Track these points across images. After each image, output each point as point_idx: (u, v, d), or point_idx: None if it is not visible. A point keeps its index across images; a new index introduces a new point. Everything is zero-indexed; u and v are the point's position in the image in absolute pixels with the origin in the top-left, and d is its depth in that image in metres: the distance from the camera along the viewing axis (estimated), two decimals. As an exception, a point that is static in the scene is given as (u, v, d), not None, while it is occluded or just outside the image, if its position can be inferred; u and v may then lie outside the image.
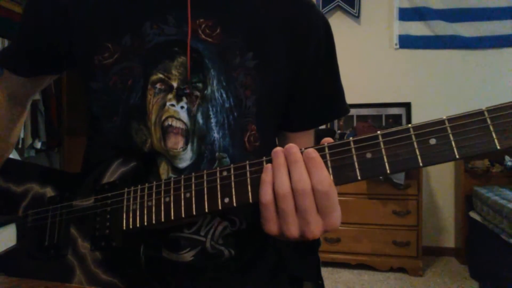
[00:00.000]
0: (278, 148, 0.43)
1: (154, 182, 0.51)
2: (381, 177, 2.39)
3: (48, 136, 2.88)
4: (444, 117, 0.36)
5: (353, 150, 0.40)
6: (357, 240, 2.52)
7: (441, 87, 2.87)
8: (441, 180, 2.86)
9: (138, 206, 0.51)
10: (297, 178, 0.40)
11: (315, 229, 0.41)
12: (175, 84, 0.57)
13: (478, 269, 2.38)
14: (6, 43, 2.56)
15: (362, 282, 2.38)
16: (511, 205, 1.94)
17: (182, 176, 0.48)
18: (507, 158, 2.55)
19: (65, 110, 3.03)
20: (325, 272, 2.51)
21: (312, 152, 0.41)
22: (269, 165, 0.43)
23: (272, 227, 0.43)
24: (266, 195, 0.42)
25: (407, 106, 2.91)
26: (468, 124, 0.35)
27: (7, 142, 0.71)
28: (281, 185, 0.41)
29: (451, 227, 2.85)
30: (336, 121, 3.03)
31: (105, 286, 0.52)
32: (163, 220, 0.48)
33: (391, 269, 2.50)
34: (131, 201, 0.52)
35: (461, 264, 2.63)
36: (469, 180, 2.57)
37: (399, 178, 2.38)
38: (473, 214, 2.43)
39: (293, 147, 0.42)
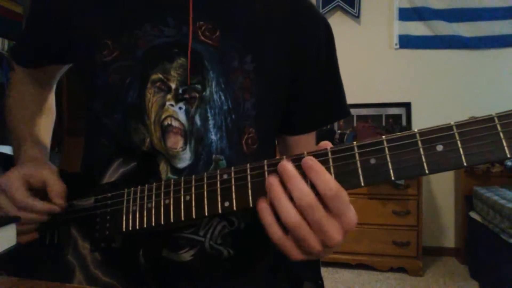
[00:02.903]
0: (270, 179, 0.40)
1: (154, 184, 0.50)
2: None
3: (48, 136, 2.88)
4: (452, 123, 0.35)
5: (356, 155, 0.38)
6: (357, 240, 2.51)
7: (441, 87, 2.87)
8: (441, 180, 2.86)
9: (138, 208, 0.51)
10: (298, 194, 0.38)
11: (335, 234, 0.38)
12: (173, 86, 0.57)
13: (478, 269, 2.37)
14: (6, 43, 2.56)
15: (362, 282, 2.38)
16: (511, 205, 1.94)
17: (182, 178, 0.48)
18: (507, 158, 2.55)
19: (65, 110, 3.03)
20: (325, 272, 2.51)
21: (309, 161, 0.39)
22: (263, 204, 0.40)
23: (297, 255, 0.41)
24: (276, 234, 0.40)
25: (407, 106, 2.90)
26: (477, 131, 0.34)
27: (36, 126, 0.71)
28: (288, 215, 0.38)
29: (451, 227, 2.85)
30: (336, 121, 3.03)
31: (105, 287, 0.52)
32: (162, 222, 0.48)
33: (391, 269, 2.49)
34: (131, 203, 0.52)
35: (461, 264, 2.63)
36: (469, 180, 2.56)
37: (399, 178, 2.38)
38: (473, 214, 2.43)
39: (283, 165, 0.39)
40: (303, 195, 0.38)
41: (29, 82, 0.73)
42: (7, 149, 0.69)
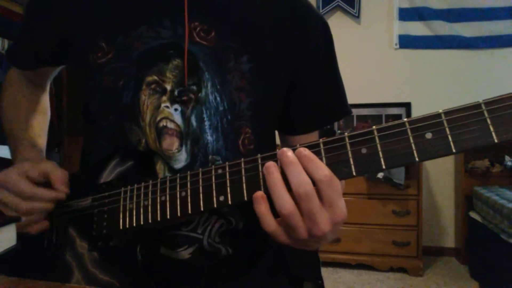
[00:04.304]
0: (268, 163, 0.40)
1: (150, 181, 0.51)
2: (381, 177, 2.39)
3: (48, 136, 2.88)
4: (441, 111, 0.36)
5: (348, 145, 0.39)
6: (357, 240, 2.51)
7: (441, 87, 2.87)
8: (441, 180, 2.86)
9: (134, 206, 0.51)
10: (297, 181, 0.38)
11: (324, 225, 0.39)
12: (168, 87, 0.57)
13: (478, 269, 2.37)
14: (6, 43, 2.56)
15: (362, 282, 2.38)
16: (511, 205, 1.94)
17: (178, 175, 0.48)
18: (507, 158, 2.55)
19: (65, 110, 3.03)
20: (325, 272, 2.51)
21: (303, 150, 0.40)
22: (259, 192, 0.40)
23: (284, 240, 0.42)
24: (270, 226, 0.41)
25: (407, 106, 2.90)
26: (465, 117, 0.34)
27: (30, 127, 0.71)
28: (283, 203, 0.39)
29: (451, 227, 2.85)
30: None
31: (103, 286, 0.53)
32: (159, 219, 0.49)
33: (391, 269, 2.49)
34: (128, 201, 0.52)
35: (461, 264, 2.63)
36: (469, 180, 2.56)
37: (399, 178, 2.37)
38: (473, 214, 2.43)
39: (283, 151, 0.40)
40: (302, 182, 0.38)
41: (23, 83, 0.73)
42: (7, 149, 0.69)
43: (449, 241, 2.85)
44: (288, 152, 0.40)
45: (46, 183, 0.56)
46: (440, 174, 2.85)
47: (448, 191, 2.85)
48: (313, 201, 0.38)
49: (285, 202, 0.39)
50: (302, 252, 0.62)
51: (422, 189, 2.46)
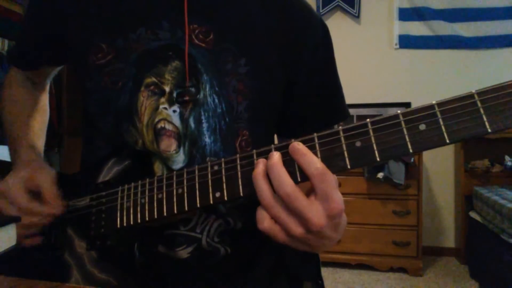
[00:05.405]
0: (258, 160, 0.41)
1: (147, 179, 0.51)
2: (381, 177, 2.39)
3: (47, 136, 2.88)
4: (434, 102, 0.36)
5: (342, 139, 0.39)
6: (357, 240, 2.51)
7: (441, 87, 2.87)
8: (441, 180, 2.86)
9: (131, 204, 0.51)
10: (277, 184, 0.39)
11: (317, 220, 0.38)
12: (167, 89, 0.57)
13: (478, 269, 2.37)
14: (6, 43, 2.56)
15: (362, 282, 2.38)
16: (511, 205, 1.94)
17: (174, 172, 0.48)
18: (507, 158, 2.55)
19: (65, 110, 3.03)
20: (325, 272, 2.51)
21: (296, 144, 0.40)
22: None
23: (281, 238, 0.42)
24: (264, 222, 0.41)
25: (407, 106, 2.90)
26: (458, 108, 0.34)
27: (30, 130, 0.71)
28: (261, 194, 0.39)
29: (451, 227, 2.85)
30: (336, 121, 3.01)
31: (102, 285, 0.53)
32: (156, 217, 0.49)
33: (391, 269, 2.49)
34: (125, 199, 0.52)
35: (461, 264, 2.63)
36: (469, 180, 2.56)
37: (399, 178, 2.37)
38: (473, 214, 2.43)
39: (273, 154, 0.41)
40: (280, 184, 0.38)
41: (23, 83, 0.74)
42: (6, 149, 0.69)
43: (449, 241, 2.85)
44: (273, 154, 0.40)
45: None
46: (440, 174, 2.85)
47: (448, 191, 2.85)
48: (296, 200, 0.38)
49: (264, 195, 0.39)
50: (302, 252, 0.62)
51: (422, 189, 2.46)
